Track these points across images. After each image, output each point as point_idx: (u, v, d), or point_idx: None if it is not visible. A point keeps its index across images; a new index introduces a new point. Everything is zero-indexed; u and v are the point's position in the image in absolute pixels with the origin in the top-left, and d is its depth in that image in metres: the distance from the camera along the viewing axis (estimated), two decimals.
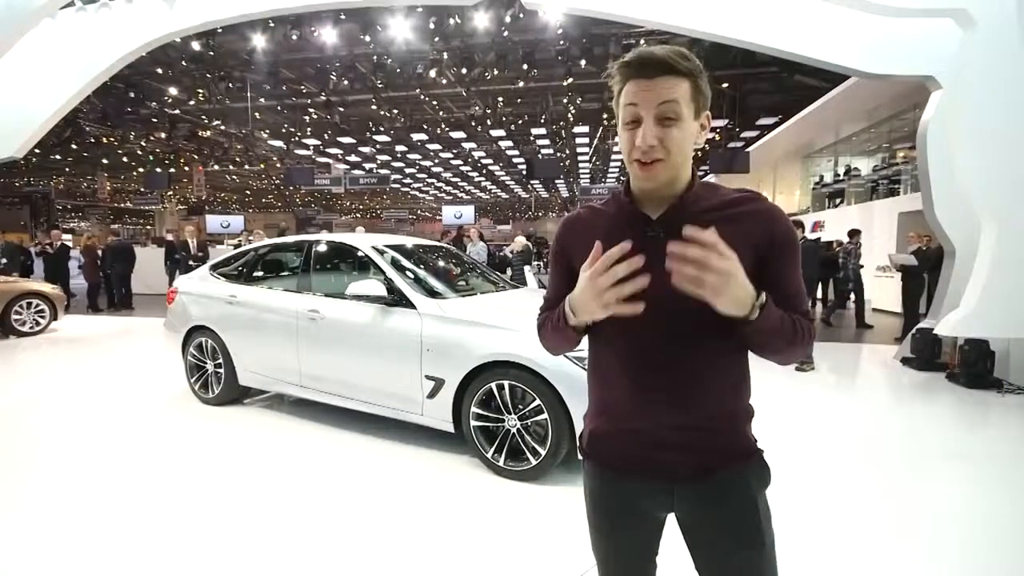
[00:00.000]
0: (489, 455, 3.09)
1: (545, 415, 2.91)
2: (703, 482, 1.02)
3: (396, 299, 3.48)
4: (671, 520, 1.10)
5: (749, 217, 0.99)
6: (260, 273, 4.51)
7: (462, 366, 3.16)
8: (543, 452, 2.93)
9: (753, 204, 1.00)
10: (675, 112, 0.93)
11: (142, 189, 26.60)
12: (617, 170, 26.56)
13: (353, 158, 22.40)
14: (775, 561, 1.04)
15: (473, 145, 20.73)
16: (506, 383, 3.04)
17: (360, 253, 3.91)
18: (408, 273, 3.78)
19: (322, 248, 4.21)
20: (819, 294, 10.71)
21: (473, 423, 3.14)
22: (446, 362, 3.23)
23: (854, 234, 8.93)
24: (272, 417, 4.18)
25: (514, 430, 3.04)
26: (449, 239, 10.64)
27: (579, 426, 2.75)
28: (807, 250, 6.25)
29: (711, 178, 18.72)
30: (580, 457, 1.18)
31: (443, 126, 17.59)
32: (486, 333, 3.16)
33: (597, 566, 1.17)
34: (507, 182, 31.98)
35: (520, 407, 3.03)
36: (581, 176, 29.18)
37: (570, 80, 11.52)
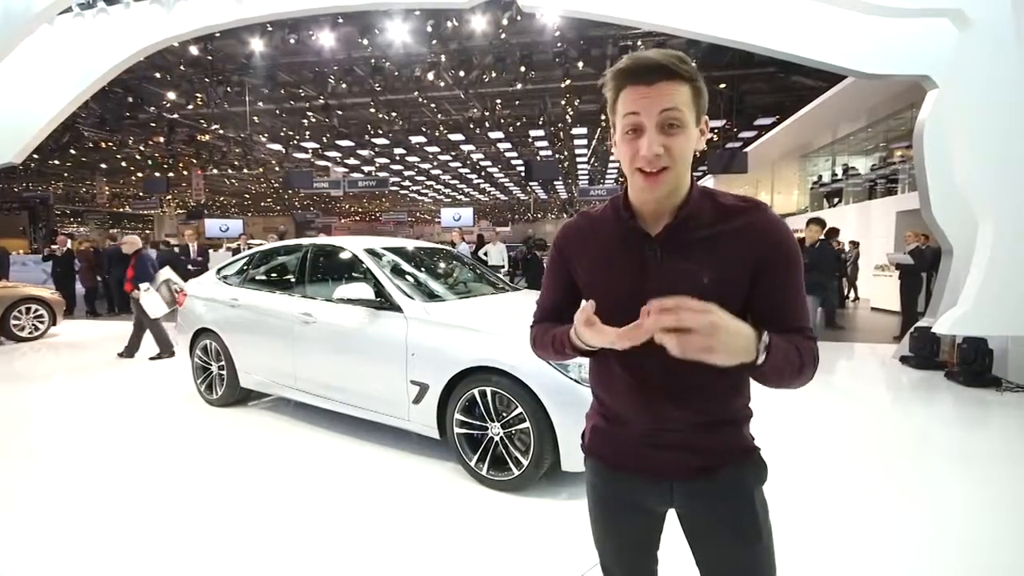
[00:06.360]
0: (472, 463, 3.01)
1: (527, 423, 2.81)
2: (702, 479, 1.04)
3: (383, 302, 3.45)
4: (672, 515, 1.12)
5: (746, 233, 0.96)
6: (261, 276, 4.53)
7: (445, 371, 3.08)
8: (525, 463, 2.84)
9: (749, 217, 0.97)
10: (678, 119, 0.89)
11: (141, 194, 26.60)
12: (616, 171, 26.60)
13: (352, 161, 22.43)
14: (773, 554, 1.06)
15: (472, 147, 20.76)
16: (488, 390, 2.95)
17: (352, 256, 3.90)
18: (398, 276, 3.77)
19: (317, 251, 4.22)
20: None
21: (457, 430, 3.06)
22: (430, 367, 3.16)
23: (855, 244, 9.23)
24: (272, 419, 4.18)
25: (497, 438, 2.95)
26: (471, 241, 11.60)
27: (562, 436, 2.72)
28: (824, 251, 6.07)
29: (709, 179, 18.79)
30: (580, 454, 1.20)
31: (441, 128, 17.61)
32: (470, 337, 3.08)
33: (599, 560, 1.20)
34: (506, 184, 32.01)
35: (504, 415, 2.93)
36: (580, 178, 29.21)
37: (568, 82, 11.54)
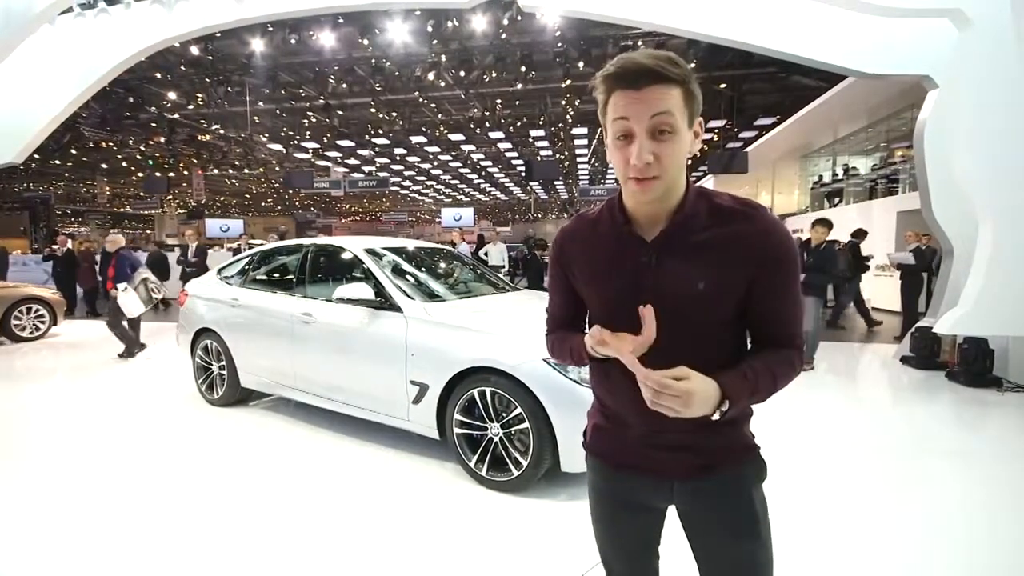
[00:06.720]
0: (472, 464, 3.00)
1: (527, 424, 2.80)
2: (702, 478, 1.04)
3: (383, 302, 3.45)
4: (672, 512, 1.12)
5: (745, 238, 0.95)
6: (262, 276, 4.53)
7: (445, 371, 3.06)
8: (525, 463, 2.83)
9: (748, 221, 0.96)
10: (669, 125, 0.87)
11: (141, 194, 26.61)
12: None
13: (352, 161, 22.44)
14: (771, 551, 1.06)
15: (472, 147, 20.77)
16: (488, 390, 2.94)
17: (352, 256, 3.90)
18: (398, 276, 3.77)
19: (317, 251, 4.22)
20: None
21: (456, 430, 3.05)
22: (430, 367, 3.15)
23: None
24: (272, 419, 4.18)
25: (497, 439, 2.93)
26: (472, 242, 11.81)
27: (561, 437, 2.71)
28: (829, 253, 6.04)
29: (709, 180, 18.80)
30: (581, 451, 1.20)
31: (442, 128, 17.62)
32: (469, 337, 3.07)
33: (601, 557, 1.20)
34: (506, 184, 32.02)
35: (504, 415, 2.91)
36: (580, 178, 29.21)
37: (568, 82, 11.55)
